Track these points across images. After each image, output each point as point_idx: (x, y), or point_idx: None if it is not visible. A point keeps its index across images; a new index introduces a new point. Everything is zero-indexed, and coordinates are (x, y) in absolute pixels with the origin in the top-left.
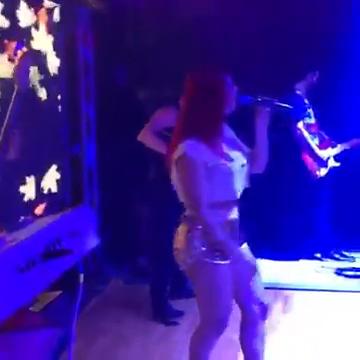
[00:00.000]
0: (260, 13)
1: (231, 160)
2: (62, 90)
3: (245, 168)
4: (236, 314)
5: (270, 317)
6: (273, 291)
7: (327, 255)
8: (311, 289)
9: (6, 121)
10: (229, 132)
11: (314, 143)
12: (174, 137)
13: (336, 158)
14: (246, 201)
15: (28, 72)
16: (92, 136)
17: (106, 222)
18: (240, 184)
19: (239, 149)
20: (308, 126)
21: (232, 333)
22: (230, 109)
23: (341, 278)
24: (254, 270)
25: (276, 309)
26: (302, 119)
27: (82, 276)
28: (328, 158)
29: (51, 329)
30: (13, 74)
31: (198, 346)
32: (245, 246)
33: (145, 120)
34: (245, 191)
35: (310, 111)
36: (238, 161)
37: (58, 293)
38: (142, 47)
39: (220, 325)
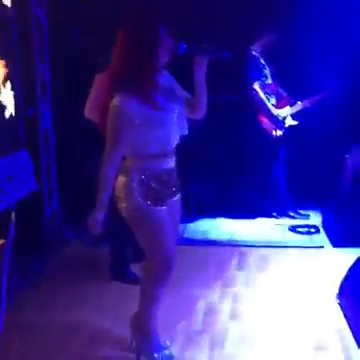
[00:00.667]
0: None
1: (165, 111)
2: (15, 49)
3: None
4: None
5: (227, 272)
6: (229, 247)
7: (283, 214)
8: (265, 245)
9: None
10: (168, 81)
11: (270, 103)
12: (106, 91)
13: (295, 117)
14: (205, 162)
15: None
16: (48, 97)
17: (63, 184)
18: (176, 134)
19: (176, 98)
20: (265, 86)
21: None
22: (164, 59)
23: (294, 234)
24: (177, 223)
25: (233, 265)
26: (257, 79)
27: (13, 214)
28: (285, 117)
29: None
30: None
31: (152, 287)
32: (178, 197)
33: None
34: (204, 152)
35: (267, 71)
36: (173, 111)
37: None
38: (97, 6)
39: (169, 262)
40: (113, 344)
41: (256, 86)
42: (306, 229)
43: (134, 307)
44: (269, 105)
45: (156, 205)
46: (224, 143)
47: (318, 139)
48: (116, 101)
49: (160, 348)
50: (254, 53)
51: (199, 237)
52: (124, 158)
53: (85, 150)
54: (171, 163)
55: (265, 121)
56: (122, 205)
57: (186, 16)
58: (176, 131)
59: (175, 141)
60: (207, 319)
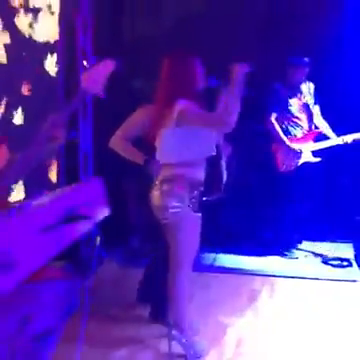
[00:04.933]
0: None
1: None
2: (60, 77)
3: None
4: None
5: (258, 302)
6: (260, 278)
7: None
8: (296, 277)
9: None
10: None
11: (292, 135)
12: (162, 98)
13: (318, 154)
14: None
15: None
16: (88, 121)
17: None
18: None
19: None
20: (288, 118)
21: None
22: (199, 87)
23: (326, 267)
24: None
25: (263, 295)
26: (275, 112)
27: (98, 239)
28: (300, 152)
29: (70, 281)
30: None
31: (181, 285)
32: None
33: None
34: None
35: (294, 102)
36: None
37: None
38: (139, 35)
39: (191, 264)
40: None
41: (273, 119)
42: (338, 262)
43: None
44: (285, 139)
45: (195, 211)
46: (256, 172)
47: (351, 167)
48: (181, 104)
49: (191, 334)
50: (276, 86)
51: (230, 265)
52: (164, 167)
53: (121, 174)
54: (203, 176)
55: (279, 155)
56: (160, 214)
57: (219, 53)
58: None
59: (211, 153)
60: (238, 349)
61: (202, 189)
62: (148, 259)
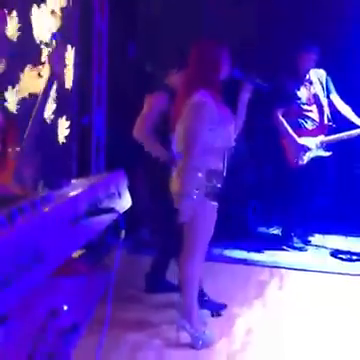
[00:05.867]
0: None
1: (228, 116)
2: (76, 60)
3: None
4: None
5: (268, 293)
6: (269, 269)
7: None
8: (305, 269)
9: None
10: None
11: (303, 128)
12: (183, 89)
13: (329, 148)
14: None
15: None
16: (102, 106)
17: None
18: (232, 139)
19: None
20: (299, 110)
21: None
22: (223, 76)
23: (335, 260)
24: None
25: (273, 286)
26: (281, 108)
27: (123, 232)
28: (308, 148)
29: (97, 275)
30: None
31: (192, 275)
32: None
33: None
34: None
35: (302, 93)
36: (232, 121)
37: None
38: (152, 20)
39: (204, 255)
40: None
41: (279, 115)
42: (348, 256)
43: None
44: (293, 135)
45: (212, 200)
46: (269, 167)
47: None
48: (199, 97)
49: (199, 324)
50: (283, 78)
51: (239, 256)
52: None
53: (133, 160)
54: (223, 165)
55: (288, 151)
56: (182, 200)
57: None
58: (232, 136)
59: (230, 146)
60: (246, 339)
61: (221, 179)
62: (156, 251)
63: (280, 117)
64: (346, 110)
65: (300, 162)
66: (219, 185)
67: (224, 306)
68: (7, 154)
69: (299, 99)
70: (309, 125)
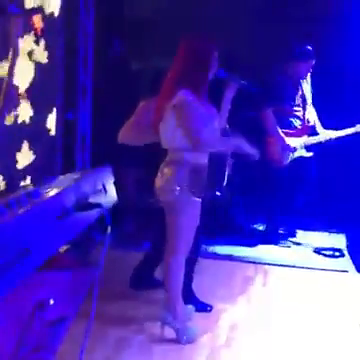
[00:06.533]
0: None
1: (212, 113)
2: (59, 56)
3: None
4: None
5: (252, 289)
6: (253, 265)
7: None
8: (289, 265)
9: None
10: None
11: (292, 127)
12: (166, 89)
13: (311, 148)
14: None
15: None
16: (87, 102)
17: None
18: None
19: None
20: (291, 109)
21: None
22: (211, 75)
23: (318, 256)
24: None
25: (257, 283)
26: (272, 106)
27: (109, 227)
28: (294, 147)
29: (83, 270)
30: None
31: (176, 270)
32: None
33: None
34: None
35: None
36: (216, 117)
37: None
38: (137, 17)
39: (187, 251)
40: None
41: (270, 112)
42: (331, 252)
43: None
44: (281, 133)
45: (196, 197)
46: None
47: (343, 158)
48: (182, 95)
49: (184, 320)
50: (279, 78)
51: (224, 252)
52: (168, 151)
53: (119, 156)
54: (206, 160)
55: (273, 149)
56: (163, 196)
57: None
58: (217, 133)
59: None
60: (231, 335)
61: (206, 174)
62: (148, 247)
63: (270, 114)
64: (315, 119)
65: (284, 162)
66: (207, 183)
67: (210, 308)
68: None
69: (293, 100)
70: (298, 124)
